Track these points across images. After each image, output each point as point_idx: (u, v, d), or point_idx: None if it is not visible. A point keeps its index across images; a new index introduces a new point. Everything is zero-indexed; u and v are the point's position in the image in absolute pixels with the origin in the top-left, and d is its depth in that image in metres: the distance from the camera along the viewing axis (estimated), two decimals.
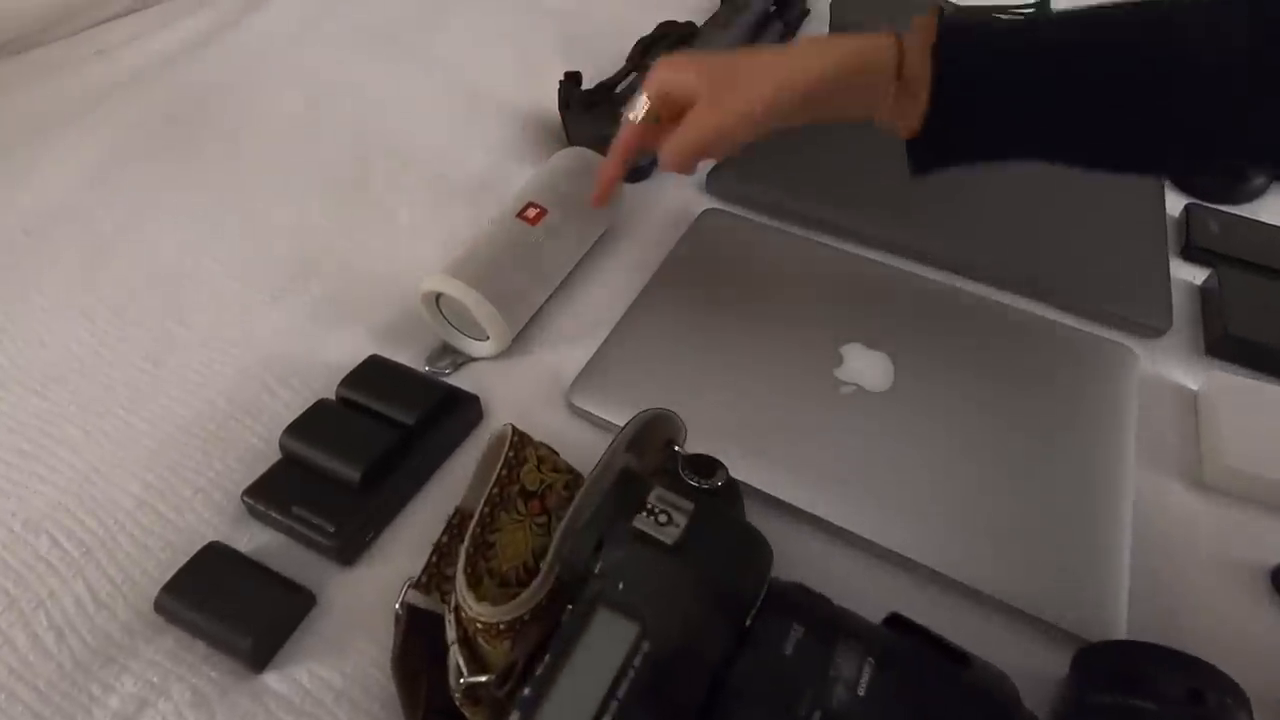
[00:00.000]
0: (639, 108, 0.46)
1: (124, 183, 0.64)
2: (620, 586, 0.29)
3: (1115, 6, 0.39)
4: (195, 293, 0.55)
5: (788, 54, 0.43)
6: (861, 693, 0.28)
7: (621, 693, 0.26)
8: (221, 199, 0.63)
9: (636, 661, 0.27)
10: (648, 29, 0.77)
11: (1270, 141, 0.40)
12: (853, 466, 0.44)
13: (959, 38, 0.40)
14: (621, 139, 0.48)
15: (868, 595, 0.34)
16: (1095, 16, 0.40)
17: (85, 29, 0.80)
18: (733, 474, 0.36)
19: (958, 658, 0.31)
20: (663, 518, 0.31)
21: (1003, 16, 0.83)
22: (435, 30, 0.85)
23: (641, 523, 0.30)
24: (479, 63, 0.80)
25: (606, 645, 0.27)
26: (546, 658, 0.27)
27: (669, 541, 0.30)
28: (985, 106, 0.41)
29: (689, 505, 0.31)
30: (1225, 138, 0.39)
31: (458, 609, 0.33)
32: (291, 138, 0.70)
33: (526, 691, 0.26)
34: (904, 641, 0.31)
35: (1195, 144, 0.40)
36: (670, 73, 0.45)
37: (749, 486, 0.42)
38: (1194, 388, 0.52)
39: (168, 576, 0.38)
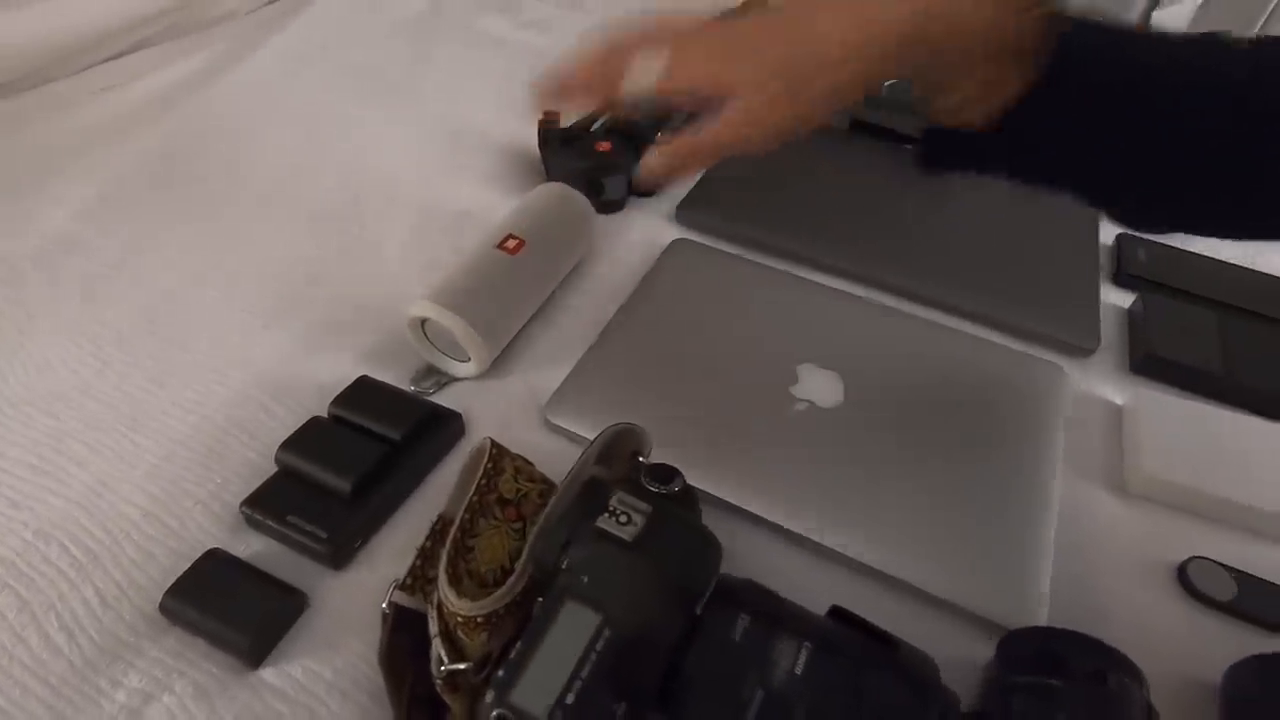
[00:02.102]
0: (644, 82, 0.38)
1: (125, 215, 0.66)
2: (585, 580, 0.32)
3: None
4: (193, 318, 0.57)
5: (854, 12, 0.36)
6: (799, 672, 0.32)
7: (585, 674, 0.29)
8: (218, 230, 0.66)
9: (599, 647, 0.30)
10: None
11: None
12: (805, 475, 0.48)
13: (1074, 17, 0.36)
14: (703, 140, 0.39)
15: (814, 591, 0.37)
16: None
17: (87, 68, 0.82)
18: (695, 483, 0.39)
19: (888, 643, 0.34)
20: (623, 518, 0.34)
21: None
22: (420, 68, 0.89)
23: (604, 523, 0.34)
24: (461, 99, 0.84)
25: (572, 633, 0.30)
26: (518, 644, 0.30)
27: (628, 539, 0.33)
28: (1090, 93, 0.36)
29: (646, 507, 0.35)
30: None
31: (440, 605, 0.36)
32: (284, 172, 0.72)
33: (500, 673, 0.29)
34: (840, 629, 0.35)
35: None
36: (698, 69, 0.37)
37: (710, 494, 0.46)
38: (1120, 403, 0.56)
39: (171, 581, 0.40)
